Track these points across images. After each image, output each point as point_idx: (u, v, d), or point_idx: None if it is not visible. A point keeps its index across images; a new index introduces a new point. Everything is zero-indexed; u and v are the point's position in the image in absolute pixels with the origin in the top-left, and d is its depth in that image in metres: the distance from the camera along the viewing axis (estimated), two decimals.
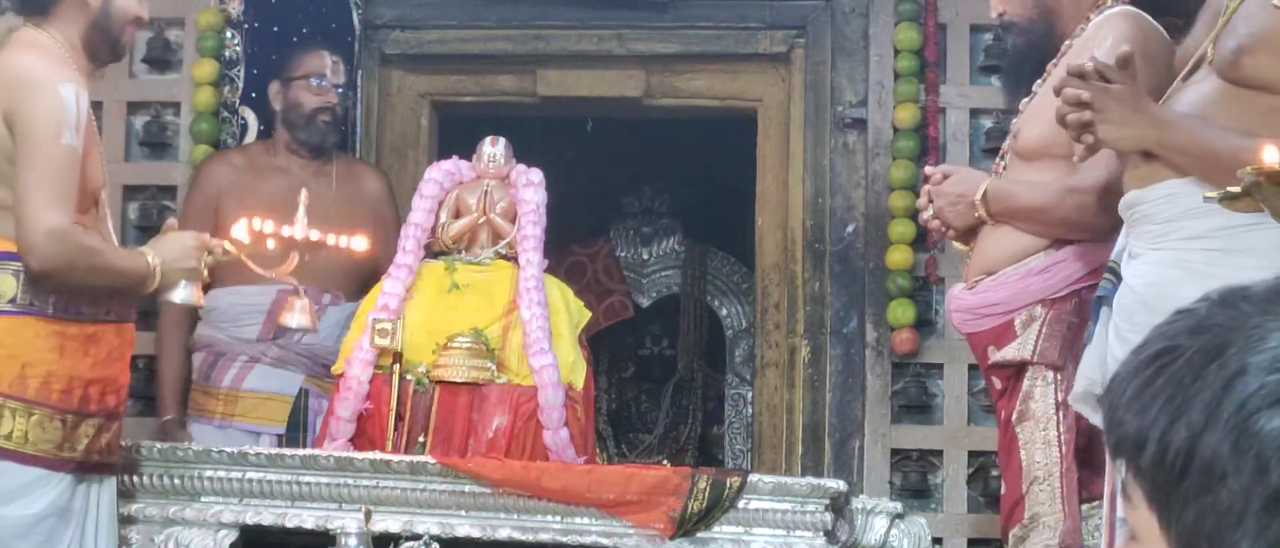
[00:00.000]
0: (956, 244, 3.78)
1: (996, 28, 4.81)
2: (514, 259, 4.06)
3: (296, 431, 4.43)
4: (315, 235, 3.64)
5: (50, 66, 3.43)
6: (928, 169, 3.86)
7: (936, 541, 4.29)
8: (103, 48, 3.58)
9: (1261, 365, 0.95)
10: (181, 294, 3.58)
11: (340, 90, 4.67)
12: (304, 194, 3.73)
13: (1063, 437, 3.41)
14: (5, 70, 3.42)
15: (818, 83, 4.98)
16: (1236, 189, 2.52)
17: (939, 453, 4.78)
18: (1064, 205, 3.42)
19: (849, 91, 4.94)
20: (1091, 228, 3.40)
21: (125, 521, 3.59)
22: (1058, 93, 3.08)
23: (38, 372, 3.37)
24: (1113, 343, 3.02)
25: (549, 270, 4.08)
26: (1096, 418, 3.17)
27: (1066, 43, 3.51)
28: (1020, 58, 3.66)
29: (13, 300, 3.38)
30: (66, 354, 3.41)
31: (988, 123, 4.86)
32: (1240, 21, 2.92)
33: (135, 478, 3.62)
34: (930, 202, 3.67)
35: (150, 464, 3.62)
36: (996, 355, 3.52)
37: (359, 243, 3.73)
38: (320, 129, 4.63)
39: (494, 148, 4.18)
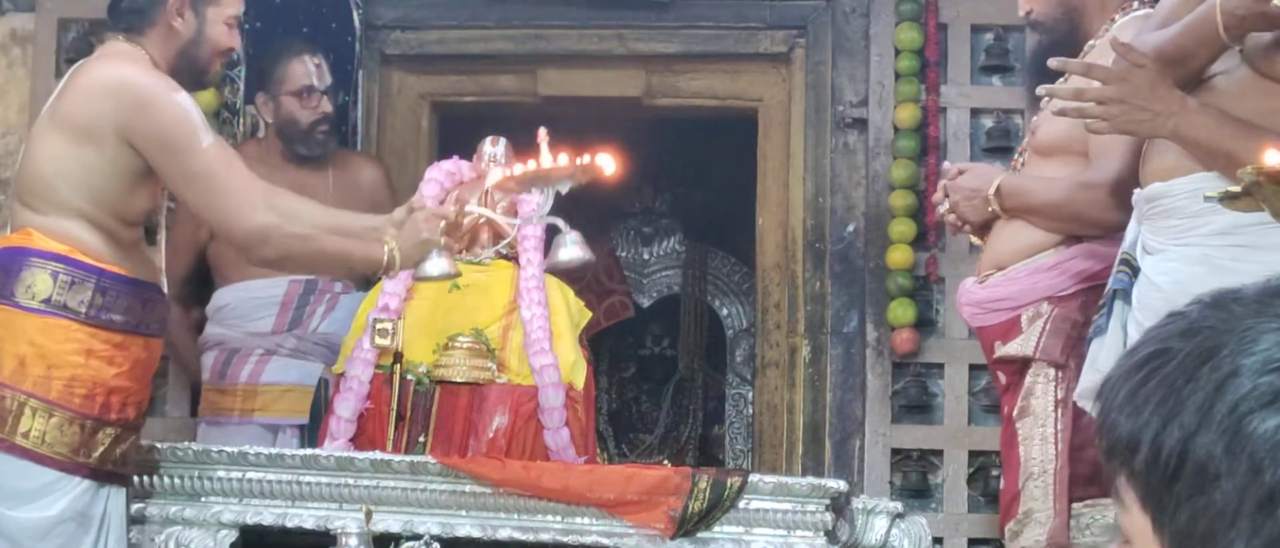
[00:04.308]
0: (973, 239, 3.82)
1: (997, 28, 4.85)
2: (514, 259, 4.06)
3: (318, 423, 4.39)
4: (562, 159, 3.28)
5: (155, 76, 3.45)
6: (945, 164, 3.89)
7: (937, 541, 4.29)
8: (187, 74, 3.58)
9: (1253, 367, 0.95)
10: (436, 267, 3.45)
11: (329, 93, 4.61)
12: (542, 133, 3.35)
13: (1060, 434, 3.43)
14: (110, 81, 3.43)
15: (818, 83, 4.98)
16: (1237, 189, 2.52)
17: (939, 453, 4.78)
18: (1075, 201, 3.44)
19: (850, 91, 4.94)
20: (1103, 224, 3.41)
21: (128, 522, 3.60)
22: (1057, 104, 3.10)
23: (62, 374, 3.39)
24: (1134, 338, 3.01)
25: (549, 270, 4.09)
26: None
27: (1090, 42, 3.52)
28: (1043, 56, 3.66)
29: (47, 301, 3.39)
30: (93, 360, 3.42)
31: (988, 122, 4.86)
32: None
33: (139, 478, 3.62)
34: (946, 196, 3.69)
35: (150, 464, 3.63)
36: (1000, 350, 3.55)
37: (605, 162, 3.34)
38: (320, 141, 4.60)
39: (494, 148, 4.18)
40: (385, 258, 3.41)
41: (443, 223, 3.44)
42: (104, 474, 3.46)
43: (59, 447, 3.38)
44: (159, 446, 3.68)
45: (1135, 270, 3.10)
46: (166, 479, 3.63)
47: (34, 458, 3.36)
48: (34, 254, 3.40)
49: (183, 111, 3.40)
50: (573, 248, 3.46)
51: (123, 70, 3.44)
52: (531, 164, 3.29)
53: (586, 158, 3.26)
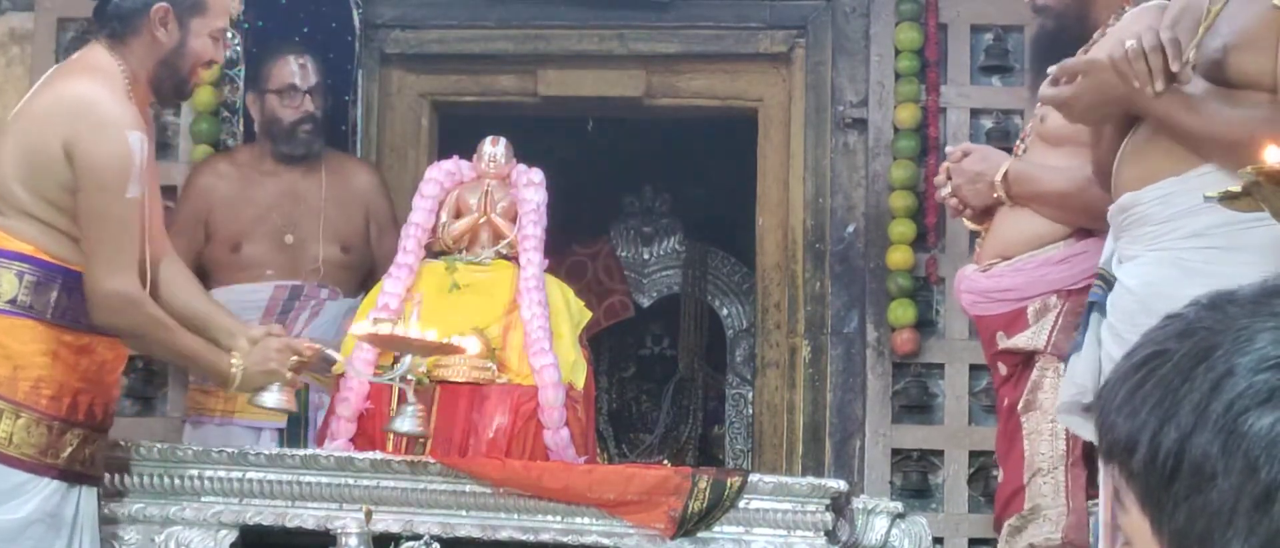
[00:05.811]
0: (970, 224, 3.78)
1: (997, 28, 4.86)
2: (515, 259, 4.06)
3: (297, 426, 4.41)
4: (432, 335, 3.50)
5: (119, 105, 3.41)
6: (949, 148, 3.87)
7: (937, 541, 4.29)
8: (167, 85, 3.57)
9: (1249, 366, 0.95)
10: (273, 399, 3.57)
11: (314, 93, 4.62)
12: (417, 298, 3.64)
13: (1070, 431, 3.40)
14: (78, 98, 3.40)
15: (818, 83, 4.99)
16: (1236, 189, 2.53)
17: (939, 453, 4.79)
18: (1087, 193, 3.41)
19: (850, 91, 4.94)
20: None
21: (123, 521, 3.59)
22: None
23: (29, 375, 3.37)
24: (1110, 347, 3.02)
25: (549, 270, 4.09)
26: (1080, 428, 3.17)
27: (1098, 31, 3.51)
28: (1051, 42, 3.65)
29: (12, 301, 3.38)
30: (59, 361, 3.40)
31: (988, 123, 4.87)
32: (1224, 22, 2.96)
33: (133, 478, 3.61)
34: (949, 178, 3.66)
35: (148, 464, 3.62)
36: (1006, 342, 3.51)
37: (471, 343, 3.64)
38: (303, 140, 4.62)
39: (494, 148, 4.18)
40: (230, 373, 3.50)
41: (293, 358, 3.53)
42: (73, 475, 3.44)
43: (26, 448, 3.36)
44: (158, 445, 3.68)
45: (1109, 284, 3.10)
46: (165, 479, 3.62)
47: (1, 459, 3.35)
48: None
49: (128, 154, 3.37)
50: (410, 419, 3.57)
51: (92, 90, 3.41)
52: (399, 328, 3.54)
53: (453, 340, 3.55)
